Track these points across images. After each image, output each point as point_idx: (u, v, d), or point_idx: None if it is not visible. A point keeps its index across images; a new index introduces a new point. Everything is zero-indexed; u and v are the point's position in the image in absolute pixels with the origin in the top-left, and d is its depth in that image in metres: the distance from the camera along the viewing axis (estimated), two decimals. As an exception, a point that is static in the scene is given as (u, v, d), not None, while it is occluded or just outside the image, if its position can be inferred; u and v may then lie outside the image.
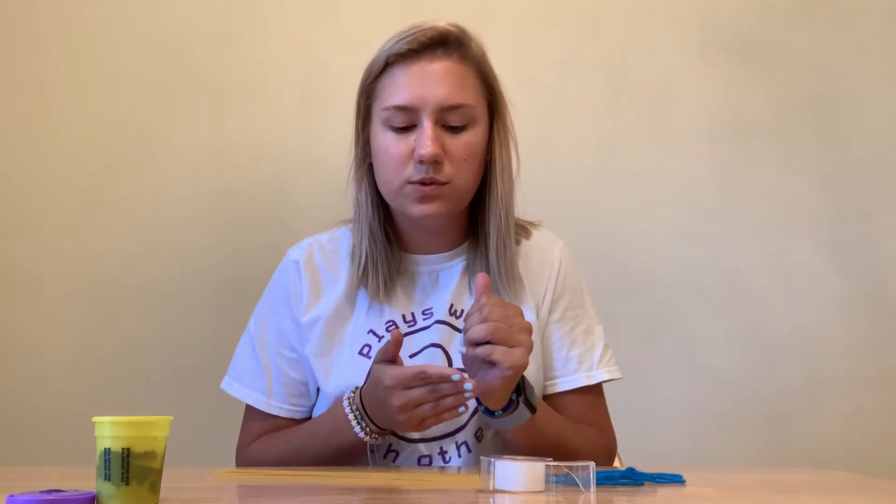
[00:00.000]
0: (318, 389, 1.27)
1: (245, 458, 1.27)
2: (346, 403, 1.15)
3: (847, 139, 1.91)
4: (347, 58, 1.80)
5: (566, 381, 1.26)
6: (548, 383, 1.27)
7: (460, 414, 1.08)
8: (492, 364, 1.05)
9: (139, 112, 1.78)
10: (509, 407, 1.11)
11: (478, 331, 1.05)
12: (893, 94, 1.92)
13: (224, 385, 1.29)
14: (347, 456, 1.17)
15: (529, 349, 1.06)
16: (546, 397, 1.27)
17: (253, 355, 1.28)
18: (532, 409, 1.12)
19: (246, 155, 1.80)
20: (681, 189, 1.88)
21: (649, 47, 1.90)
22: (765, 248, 1.88)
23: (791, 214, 1.89)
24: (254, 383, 1.26)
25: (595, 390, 1.28)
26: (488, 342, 1.05)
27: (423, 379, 1.04)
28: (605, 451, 1.28)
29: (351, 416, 1.13)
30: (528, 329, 1.08)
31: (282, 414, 1.26)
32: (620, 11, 1.90)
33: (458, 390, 1.04)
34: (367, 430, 1.13)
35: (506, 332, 1.05)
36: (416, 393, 1.05)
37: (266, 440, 1.25)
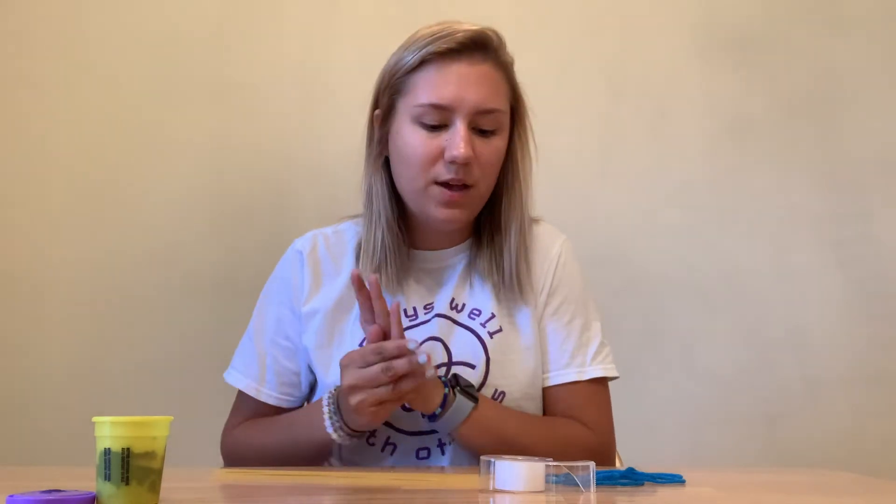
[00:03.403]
0: (311, 382, 1.29)
1: (228, 441, 1.28)
2: (325, 398, 1.15)
3: (847, 139, 1.91)
4: (347, 58, 1.81)
5: (557, 375, 1.25)
6: (543, 376, 1.27)
7: (413, 390, 1.08)
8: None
9: (139, 112, 1.78)
10: (444, 403, 1.12)
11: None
12: (893, 94, 1.92)
13: (225, 374, 1.30)
14: (318, 453, 1.18)
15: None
16: (543, 391, 1.28)
17: (249, 343, 1.29)
18: (473, 398, 1.14)
19: (245, 154, 1.80)
20: (681, 189, 1.88)
21: (649, 47, 1.90)
22: (765, 247, 1.88)
23: (791, 214, 1.89)
24: (248, 370, 1.28)
25: (590, 386, 1.26)
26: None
27: (379, 354, 1.05)
28: (596, 450, 1.23)
29: (326, 412, 1.13)
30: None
31: (270, 402, 1.27)
32: (620, 11, 1.90)
33: (415, 368, 1.05)
34: (337, 426, 1.13)
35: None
36: (370, 372, 1.05)
37: (249, 425, 1.27)
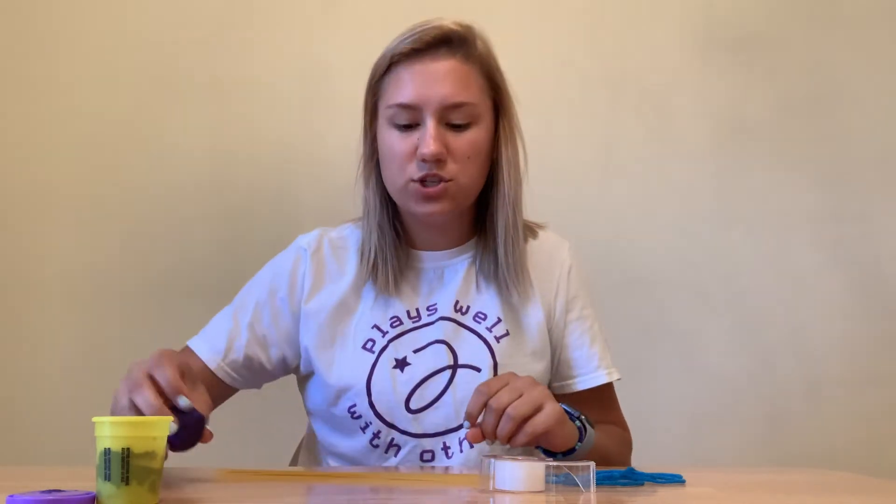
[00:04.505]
0: (276, 375, 1.28)
1: None
2: None
3: (847, 139, 1.91)
4: (347, 57, 1.81)
5: (589, 379, 1.27)
6: (566, 382, 1.28)
7: None
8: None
9: (139, 111, 1.78)
10: (580, 435, 1.10)
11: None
12: (893, 94, 1.92)
13: (190, 341, 1.26)
14: None
15: (545, 392, 1.06)
16: (560, 398, 1.28)
17: (227, 319, 1.26)
18: (592, 424, 1.13)
19: (246, 155, 1.80)
20: (681, 189, 1.88)
21: (649, 47, 1.90)
22: (765, 248, 1.88)
23: (791, 214, 1.89)
24: (215, 342, 1.24)
25: (612, 388, 1.32)
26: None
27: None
28: (630, 446, 1.32)
29: None
30: (531, 381, 1.07)
31: (224, 378, 1.23)
32: (620, 11, 1.90)
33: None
34: None
35: (520, 401, 1.03)
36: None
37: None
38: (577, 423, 1.11)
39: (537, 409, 1.03)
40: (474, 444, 1.10)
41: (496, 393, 1.04)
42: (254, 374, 1.26)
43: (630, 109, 1.89)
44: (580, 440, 1.10)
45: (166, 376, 0.98)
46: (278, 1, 1.83)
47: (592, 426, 1.13)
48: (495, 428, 1.03)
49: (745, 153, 1.90)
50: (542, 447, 1.10)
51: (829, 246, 1.88)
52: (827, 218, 1.89)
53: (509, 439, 1.03)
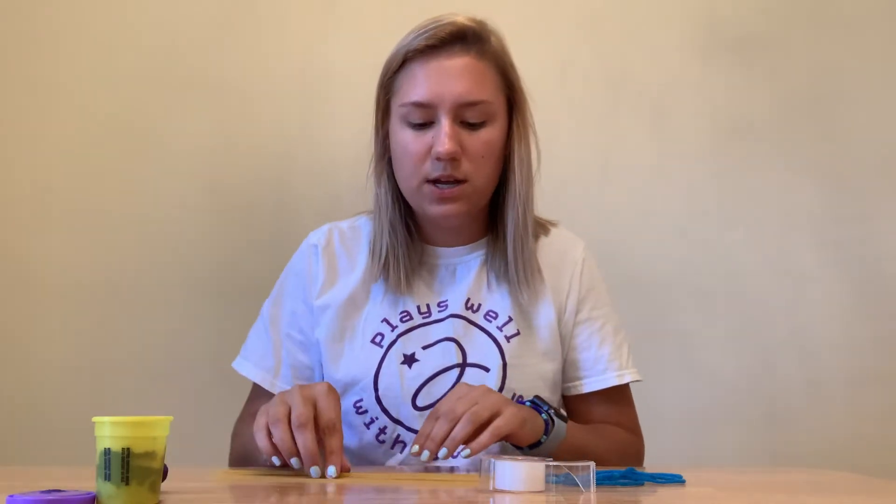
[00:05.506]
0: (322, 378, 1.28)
1: (234, 432, 1.27)
2: None
3: (847, 139, 1.91)
4: (348, 57, 1.81)
5: (595, 381, 1.26)
6: (572, 384, 1.27)
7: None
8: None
9: (139, 111, 1.78)
10: (546, 428, 1.10)
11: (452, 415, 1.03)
12: (893, 94, 1.92)
13: (235, 364, 1.29)
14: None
15: (502, 398, 1.06)
16: (570, 399, 1.27)
17: (265, 335, 1.28)
18: (563, 418, 1.12)
19: (246, 155, 1.80)
20: (681, 189, 1.88)
21: (649, 47, 1.90)
22: (765, 248, 1.88)
23: (791, 214, 1.89)
24: (262, 362, 1.26)
25: (624, 391, 1.30)
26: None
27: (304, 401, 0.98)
28: (637, 453, 1.29)
29: None
30: (486, 389, 1.07)
31: None
32: (620, 12, 1.90)
33: (305, 423, 0.97)
34: None
35: (472, 412, 1.03)
36: (280, 407, 0.99)
37: (248, 418, 1.24)
38: (545, 416, 1.10)
39: (496, 415, 1.03)
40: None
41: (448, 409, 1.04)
42: (304, 381, 1.26)
43: (630, 109, 1.89)
44: (546, 433, 1.09)
45: (334, 425, 0.99)
46: (278, 3, 1.83)
47: (564, 419, 1.12)
48: (448, 433, 1.01)
49: (745, 153, 1.90)
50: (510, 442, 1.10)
51: (830, 246, 1.88)
52: (827, 218, 1.89)
53: (467, 441, 1.01)
